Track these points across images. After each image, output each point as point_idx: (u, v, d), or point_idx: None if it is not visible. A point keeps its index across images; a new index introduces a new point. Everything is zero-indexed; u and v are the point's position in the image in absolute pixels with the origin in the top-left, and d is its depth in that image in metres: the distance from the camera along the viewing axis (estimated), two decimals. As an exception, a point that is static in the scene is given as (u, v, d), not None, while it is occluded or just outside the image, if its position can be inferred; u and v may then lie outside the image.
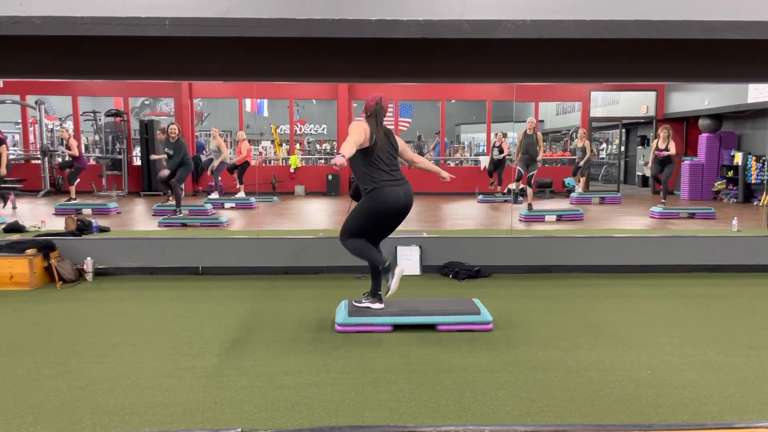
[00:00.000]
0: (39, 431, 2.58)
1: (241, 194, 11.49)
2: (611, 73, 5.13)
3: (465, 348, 3.63)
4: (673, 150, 9.88)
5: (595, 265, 5.83)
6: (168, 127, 9.20)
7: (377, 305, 4.10)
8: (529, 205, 9.64)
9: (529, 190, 9.85)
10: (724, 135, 13.17)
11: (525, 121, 10.06)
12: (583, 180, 12.73)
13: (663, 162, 10.02)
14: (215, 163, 11.27)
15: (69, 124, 14.84)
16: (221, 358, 3.47)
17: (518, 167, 9.84)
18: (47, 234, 6.47)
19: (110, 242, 5.95)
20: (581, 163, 12.30)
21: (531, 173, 9.80)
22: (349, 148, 3.74)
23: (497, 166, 12.42)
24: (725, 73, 5.04)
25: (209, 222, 8.61)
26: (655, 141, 10.21)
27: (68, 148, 10.83)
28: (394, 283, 3.83)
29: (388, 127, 4.10)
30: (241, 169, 11.58)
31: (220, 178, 11.70)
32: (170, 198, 9.50)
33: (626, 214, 10.59)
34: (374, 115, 3.97)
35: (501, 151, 12.27)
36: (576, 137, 13.20)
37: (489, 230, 8.48)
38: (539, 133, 10.08)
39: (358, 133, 3.83)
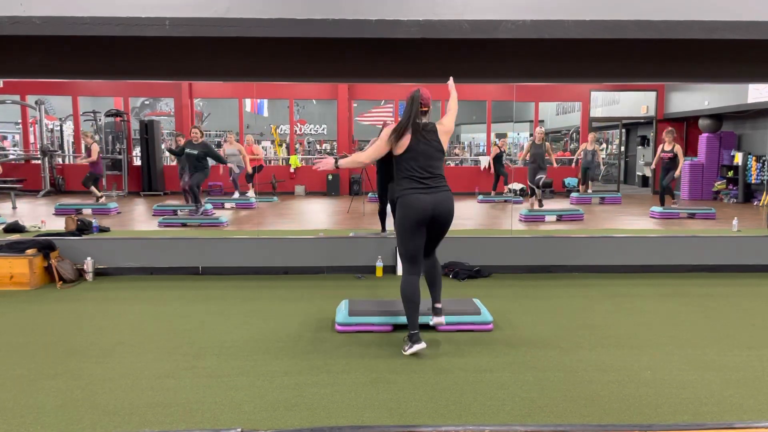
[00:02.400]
0: (39, 431, 2.58)
1: (237, 194, 11.46)
2: (611, 73, 5.13)
3: (465, 348, 3.63)
4: (680, 153, 9.79)
5: (595, 265, 5.83)
6: (191, 130, 9.08)
7: (419, 346, 3.50)
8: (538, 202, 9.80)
9: (537, 191, 9.89)
10: (724, 135, 13.17)
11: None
12: (589, 183, 12.73)
13: (668, 166, 9.90)
14: (235, 168, 11.14)
15: (69, 124, 14.86)
16: (221, 358, 3.46)
17: (530, 183, 9.91)
18: (47, 234, 6.47)
19: (110, 242, 5.95)
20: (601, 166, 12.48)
21: (539, 177, 9.81)
22: (349, 160, 3.67)
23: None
24: (725, 73, 5.05)
25: (209, 222, 8.62)
26: (660, 144, 10.13)
27: (89, 153, 10.55)
28: (409, 350, 3.50)
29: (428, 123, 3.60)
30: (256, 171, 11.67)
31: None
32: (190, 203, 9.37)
33: (626, 214, 10.59)
34: (407, 113, 3.55)
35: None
36: (579, 139, 13.27)
37: (489, 230, 8.49)
38: (548, 144, 10.06)
39: (376, 143, 3.60)
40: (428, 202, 3.44)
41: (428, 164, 3.49)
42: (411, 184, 3.48)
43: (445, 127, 3.63)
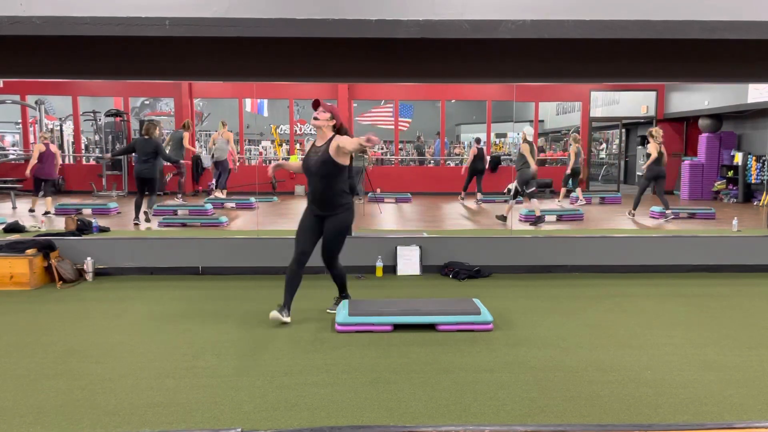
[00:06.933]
0: (39, 431, 2.58)
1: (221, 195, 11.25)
2: (611, 73, 5.13)
3: (465, 348, 3.63)
4: (653, 152, 9.09)
5: (595, 265, 5.82)
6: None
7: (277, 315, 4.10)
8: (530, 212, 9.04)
9: (535, 201, 8.99)
10: (724, 135, 13.18)
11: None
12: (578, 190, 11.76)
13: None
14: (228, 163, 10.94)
15: (69, 124, 14.85)
16: (221, 358, 3.46)
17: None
18: (47, 234, 6.47)
19: (110, 242, 5.94)
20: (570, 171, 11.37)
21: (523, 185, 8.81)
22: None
23: (479, 173, 11.75)
24: (725, 73, 5.04)
25: (209, 222, 8.61)
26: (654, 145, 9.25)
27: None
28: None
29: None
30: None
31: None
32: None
33: (626, 214, 10.58)
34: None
35: (482, 158, 11.75)
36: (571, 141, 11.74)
37: (489, 230, 8.48)
38: (525, 145, 8.77)
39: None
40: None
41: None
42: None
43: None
